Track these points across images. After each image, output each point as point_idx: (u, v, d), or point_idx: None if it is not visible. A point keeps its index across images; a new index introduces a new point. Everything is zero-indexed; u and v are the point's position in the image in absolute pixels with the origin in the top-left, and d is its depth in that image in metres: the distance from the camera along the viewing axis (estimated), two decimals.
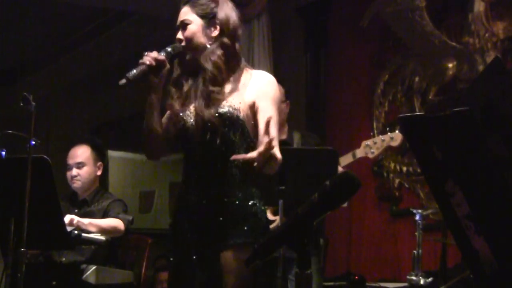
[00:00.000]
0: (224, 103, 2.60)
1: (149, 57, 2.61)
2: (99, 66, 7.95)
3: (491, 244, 1.50)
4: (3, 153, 3.47)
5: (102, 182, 4.45)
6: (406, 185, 5.16)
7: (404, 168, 5.15)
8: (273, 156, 2.39)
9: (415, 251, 3.78)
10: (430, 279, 3.73)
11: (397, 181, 5.21)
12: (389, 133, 3.99)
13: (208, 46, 2.68)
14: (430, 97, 5.05)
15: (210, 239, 2.59)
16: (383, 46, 5.42)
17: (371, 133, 5.34)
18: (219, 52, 2.66)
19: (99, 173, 4.35)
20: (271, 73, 5.98)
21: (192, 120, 2.63)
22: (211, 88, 2.61)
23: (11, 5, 6.95)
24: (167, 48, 2.68)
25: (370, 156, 3.99)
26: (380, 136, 4.04)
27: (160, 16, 6.38)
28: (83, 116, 8.56)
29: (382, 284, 4.67)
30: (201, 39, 2.68)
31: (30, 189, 3.13)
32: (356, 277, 4.74)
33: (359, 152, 3.98)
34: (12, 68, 9.08)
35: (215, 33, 2.69)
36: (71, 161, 4.31)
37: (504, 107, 1.52)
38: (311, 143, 4.10)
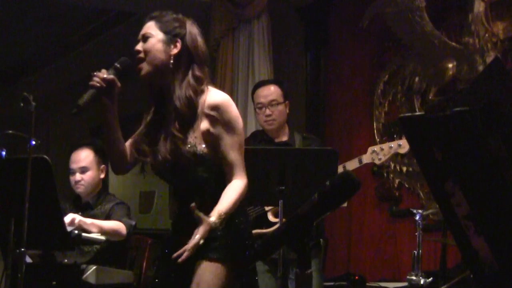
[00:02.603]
0: (183, 146, 2.60)
1: (98, 79, 2.59)
2: (99, 66, 7.95)
3: (491, 244, 1.50)
4: (3, 153, 3.47)
5: (103, 182, 4.43)
6: (406, 185, 5.16)
7: (404, 168, 5.15)
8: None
9: (415, 251, 3.78)
10: (430, 279, 3.73)
11: (397, 181, 5.21)
12: (396, 140, 3.98)
13: (175, 71, 2.66)
14: (430, 97, 5.04)
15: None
16: (383, 46, 5.42)
17: (371, 133, 5.35)
18: (193, 83, 2.64)
19: (102, 176, 4.32)
20: (271, 73, 6.03)
21: (160, 158, 2.65)
22: (175, 131, 2.60)
23: (11, 5, 6.95)
24: (116, 64, 2.65)
25: (377, 162, 3.97)
26: (388, 142, 4.01)
27: None
28: (83, 116, 8.56)
29: (382, 284, 4.67)
30: (160, 54, 2.65)
31: (30, 189, 3.13)
32: (356, 277, 4.74)
33: (366, 158, 3.96)
34: (12, 68, 9.09)
35: (174, 51, 2.66)
36: (74, 165, 4.26)
37: (504, 107, 1.52)
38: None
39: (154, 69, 2.65)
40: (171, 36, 2.67)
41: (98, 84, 2.59)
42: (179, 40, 2.67)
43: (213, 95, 2.66)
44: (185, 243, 2.61)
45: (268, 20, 5.91)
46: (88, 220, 3.88)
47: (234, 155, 2.61)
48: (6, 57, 8.53)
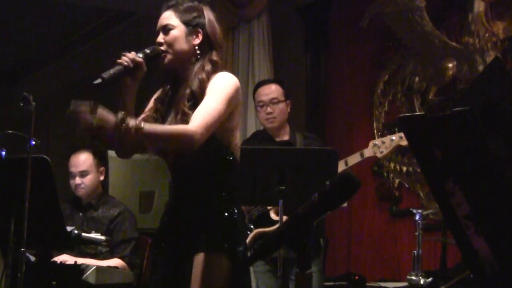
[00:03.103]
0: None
1: (127, 58, 2.57)
2: (99, 66, 7.94)
3: (491, 244, 1.50)
4: (3, 153, 3.47)
5: (102, 182, 4.44)
6: (406, 185, 5.16)
7: (404, 168, 5.14)
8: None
9: (415, 251, 3.78)
10: (430, 279, 3.74)
11: (397, 181, 5.21)
12: (398, 133, 3.93)
13: (196, 58, 2.65)
14: (430, 97, 5.04)
15: (185, 242, 2.62)
16: (383, 46, 5.42)
17: (371, 133, 5.34)
18: (208, 68, 2.64)
19: (102, 178, 4.36)
20: (271, 73, 6.02)
21: None
22: (186, 109, 2.58)
23: (11, 5, 6.95)
24: (145, 49, 2.63)
25: (379, 155, 3.93)
26: (389, 135, 3.97)
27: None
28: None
29: (382, 284, 4.67)
30: (183, 45, 2.65)
31: (30, 189, 3.13)
32: (356, 277, 4.74)
33: (367, 152, 3.93)
34: (12, 68, 9.09)
35: (197, 41, 2.67)
36: (74, 169, 4.29)
37: (504, 107, 1.52)
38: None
39: (178, 59, 2.66)
40: (192, 26, 2.67)
41: (125, 63, 2.56)
42: (200, 30, 2.68)
43: (221, 73, 2.65)
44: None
45: (268, 20, 5.91)
46: (88, 261, 3.89)
47: (201, 111, 2.52)
48: (6, 57, 8.53)
